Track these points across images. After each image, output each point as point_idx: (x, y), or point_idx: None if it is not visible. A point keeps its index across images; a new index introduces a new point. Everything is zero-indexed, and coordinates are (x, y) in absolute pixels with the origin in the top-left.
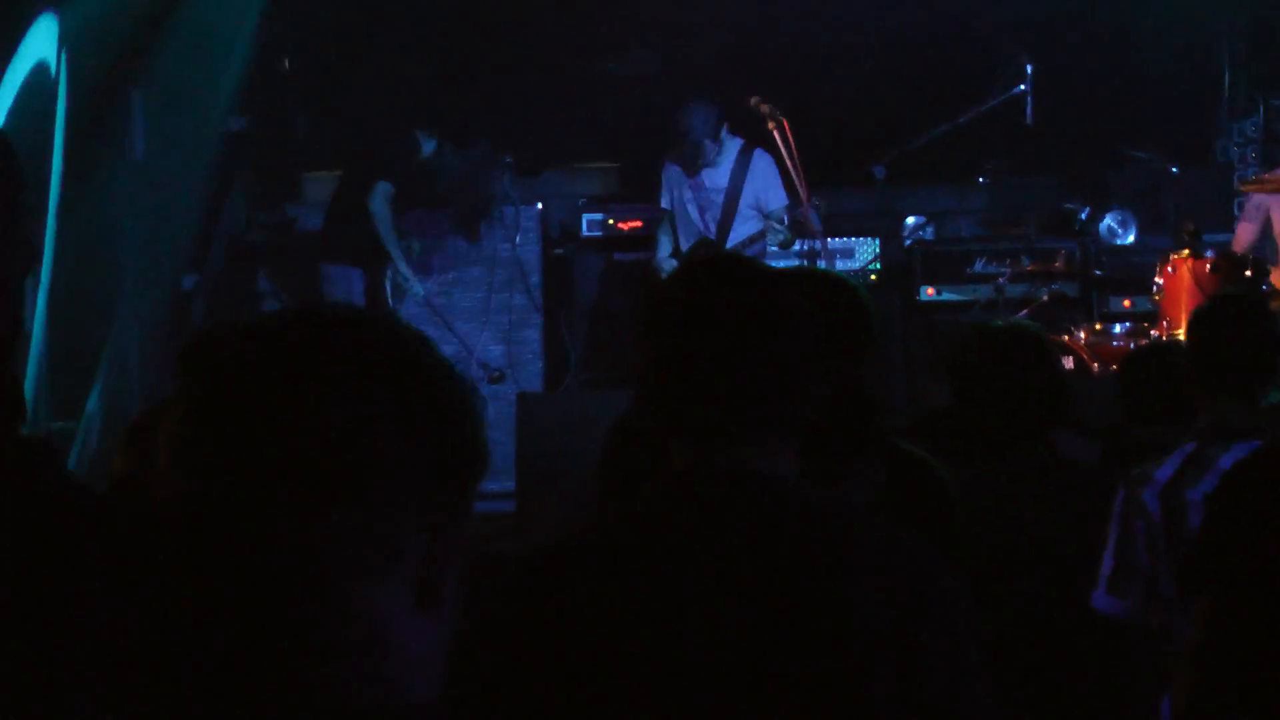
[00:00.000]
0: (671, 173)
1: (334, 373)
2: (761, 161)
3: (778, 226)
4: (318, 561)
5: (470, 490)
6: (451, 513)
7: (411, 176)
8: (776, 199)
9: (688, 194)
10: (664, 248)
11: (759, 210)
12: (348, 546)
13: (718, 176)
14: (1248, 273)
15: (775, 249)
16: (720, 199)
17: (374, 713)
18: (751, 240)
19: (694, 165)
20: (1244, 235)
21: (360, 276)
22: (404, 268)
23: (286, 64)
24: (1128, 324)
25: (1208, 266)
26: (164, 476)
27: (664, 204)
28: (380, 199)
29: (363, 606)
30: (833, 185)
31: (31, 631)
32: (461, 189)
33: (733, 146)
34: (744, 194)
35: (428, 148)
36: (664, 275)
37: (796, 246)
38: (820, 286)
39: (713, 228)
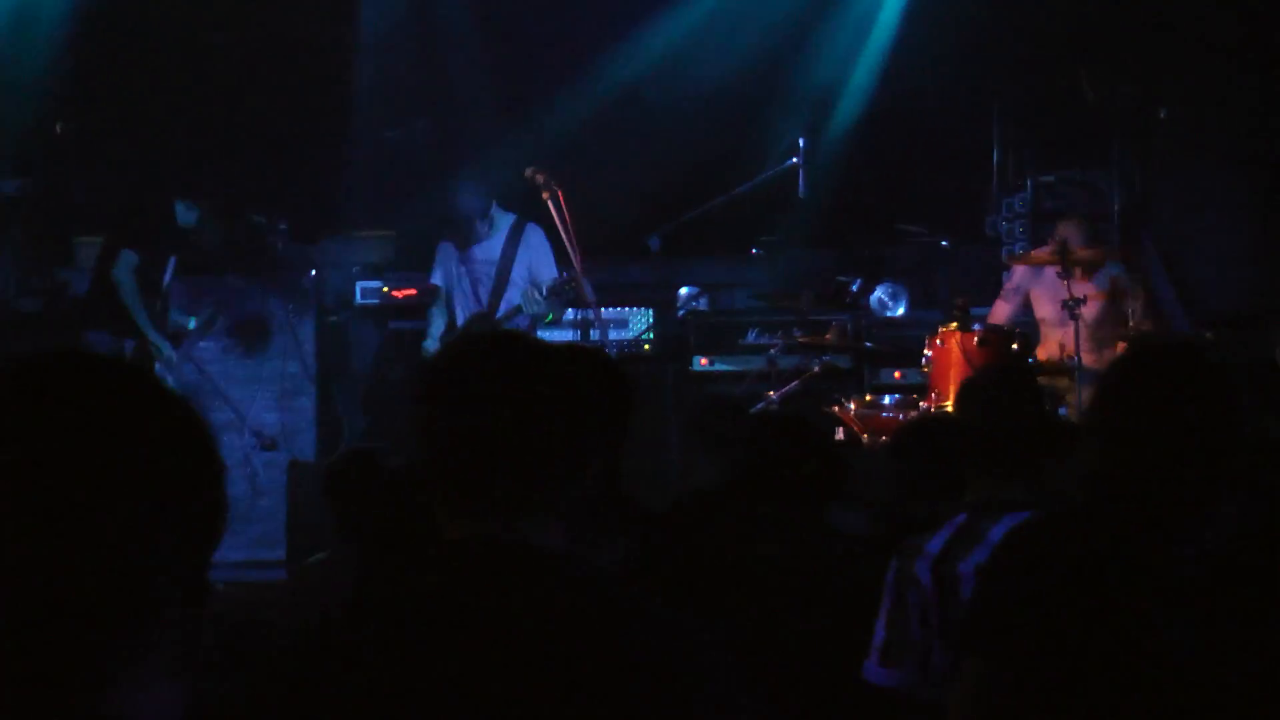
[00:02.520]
0: (446, 248)
1: (104, 471)
2: (534, 235)
3: (537, 296)
4: (77, 672)
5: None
6: (204, 583)
7: (163, 245)
8: (548, 272)
9: (461, 268)
10: (436, 326)
11: (531, 282)
12: (111, 656)
13: (490, 249)
14: (1014, 346)
15: (535, 318)
16: (493, 270)
17: None
18: (509, 315)
19: (466, 241)
20: (999, 313)
21: (122, 345)
22: (153, 335)
23: (59, 127)
24: (897, 396)
25: (975, 340)
26: None
27: (436, 280)
28: (124, 268)
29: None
30: (609, 256)
31: None
32: (231, 258)
33: (505, 221)
34: (515, 266)
35: (187, 218)
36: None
37: (571, 315)
38: (586, 364)
39: (485, 300)
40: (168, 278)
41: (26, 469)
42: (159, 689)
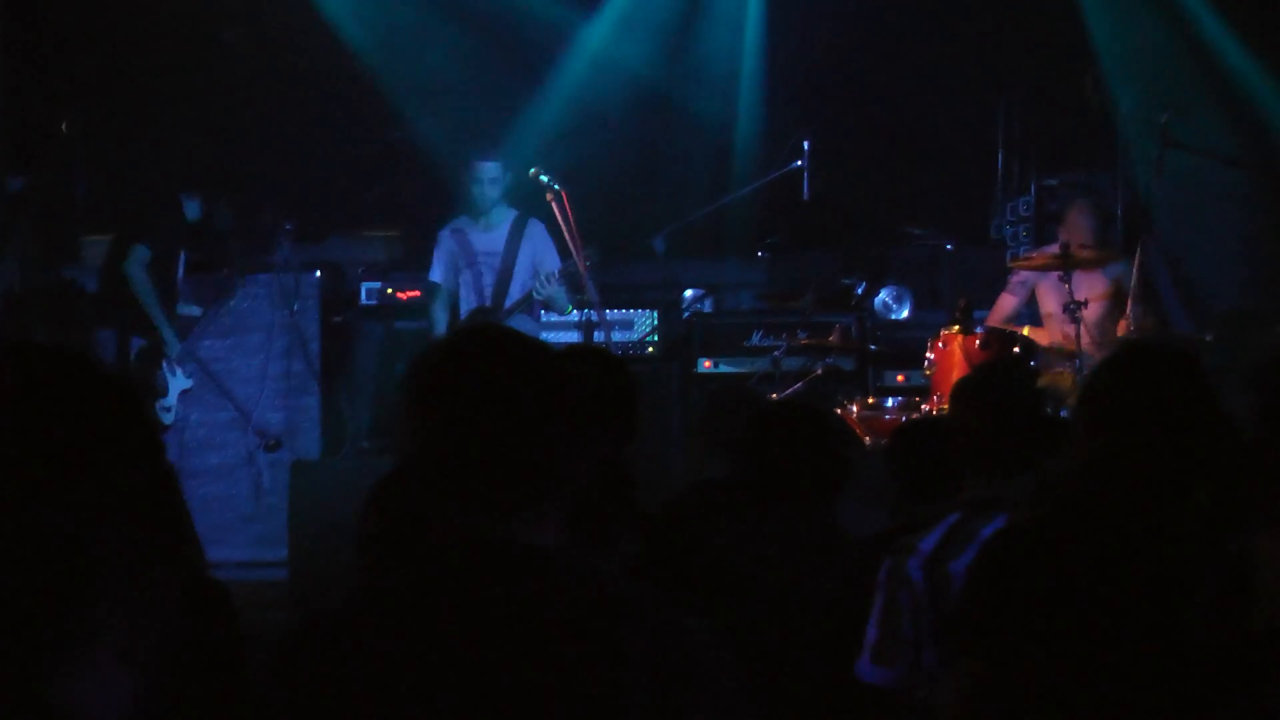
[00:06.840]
0: (449, 242)
1: (37, 460)
2: (536, 228)
3: (548, 282)
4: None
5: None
6: (152, 586)
7: (175, 240)
8: (551, 262)
9: (464, 260)
10: (439, 325)
11: (536, 274)
12: (55, 645)
13: (493, 241)
14: (1017, 349)
15: (555, 317)
16: (497, 263)
17: None
18: (517, 305)
19: (466, 233)
20: (1005, 306)
21: (129, 342)
22: (167, 332)
23: (64, 126)
24: (900, 398)
25: (978, 342)
26: None
27: (435, 276)
28: (136, 263)
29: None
30: (613, 257)
31: None
32: (235, 251)
33: (507, 216)
34: (520, 258)
35: (190, 210)
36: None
37: (576, 316)
38: (591, 364)
39: (489, 293)
40: (180, 273)
41: None
42: (109, 678)
